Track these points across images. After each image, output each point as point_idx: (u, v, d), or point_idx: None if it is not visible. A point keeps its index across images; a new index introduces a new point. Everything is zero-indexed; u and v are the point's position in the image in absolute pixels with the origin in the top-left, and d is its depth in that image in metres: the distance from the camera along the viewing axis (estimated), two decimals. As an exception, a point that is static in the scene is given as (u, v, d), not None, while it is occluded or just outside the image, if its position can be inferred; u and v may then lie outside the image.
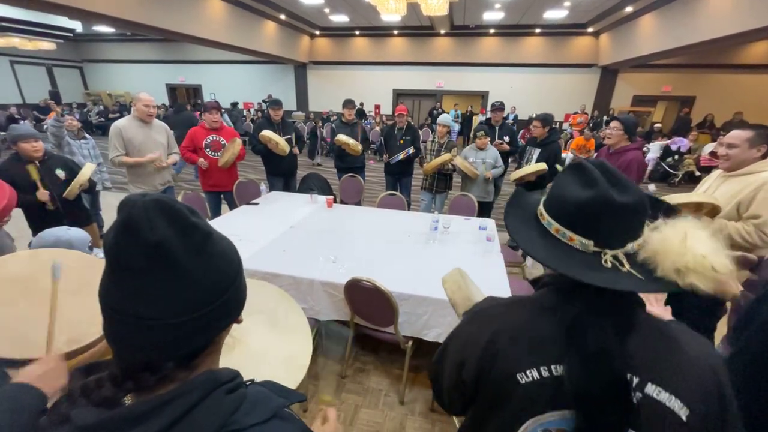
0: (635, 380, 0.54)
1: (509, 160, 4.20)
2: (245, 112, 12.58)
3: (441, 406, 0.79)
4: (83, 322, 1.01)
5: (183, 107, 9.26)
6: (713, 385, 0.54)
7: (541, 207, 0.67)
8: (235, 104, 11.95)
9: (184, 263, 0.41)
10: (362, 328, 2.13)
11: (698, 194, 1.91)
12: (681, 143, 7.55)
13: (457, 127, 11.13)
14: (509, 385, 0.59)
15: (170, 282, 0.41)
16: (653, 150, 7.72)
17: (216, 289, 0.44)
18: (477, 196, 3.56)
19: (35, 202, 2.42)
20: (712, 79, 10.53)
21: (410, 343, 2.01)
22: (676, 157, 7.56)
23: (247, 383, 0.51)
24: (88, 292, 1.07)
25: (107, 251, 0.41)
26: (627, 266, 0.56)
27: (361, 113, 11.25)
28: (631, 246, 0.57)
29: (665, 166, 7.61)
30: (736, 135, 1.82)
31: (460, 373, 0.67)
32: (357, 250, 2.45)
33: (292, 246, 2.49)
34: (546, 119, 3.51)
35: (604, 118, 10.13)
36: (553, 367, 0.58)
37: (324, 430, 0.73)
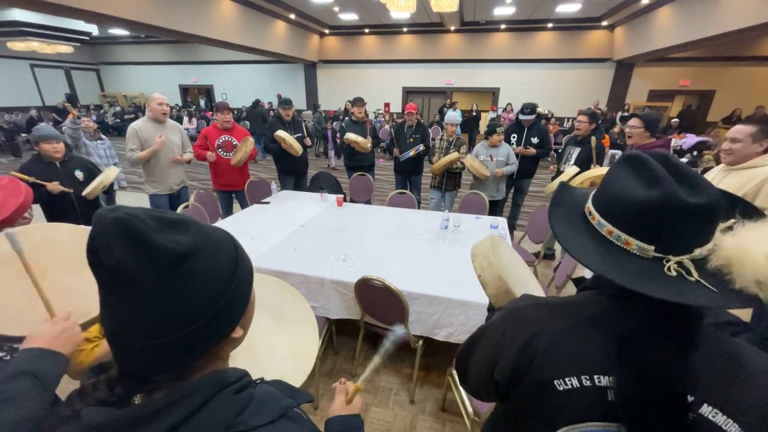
0: (689, 398, 0.50)
1: (539, 162, 3.88)
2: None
3: (467, 393, 0.78)
4: (87, 297, 0.97)
5: (258, 103, 9.41)
6: None
7: (589, 204, 0.60)
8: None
9: (147, 286, 0.39)
10: (372, 326, 2.13)
11: None
12: (687, 142, 7.36)
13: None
14: (545, 390, 0.56)
15: (135, 303, 0.39)
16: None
17: (191, 312, 0.41)
18: (487, 195, 3.52)
19: (47, 195, 2.47)
20: (732, 73, 10.16)
21: (421, 342, 2.00)
22: (695, 153, 7.35)
23: (257, 382, 0.51)
24: (86, 266, 1.09)
25: None
26: (695, 275, 0.49)
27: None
28: (699, 251, 0.50)
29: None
30: (740, 130, 1.83)
31: (491, 372, 0.64)
32: (367, 249, 2.45)
33: (302, 244, 2.51)
34: (594, 115, 3.25)
35: (619, 114, 9.90)
36: (596, 377, 0.54)
37: (350, 408, 0.72)
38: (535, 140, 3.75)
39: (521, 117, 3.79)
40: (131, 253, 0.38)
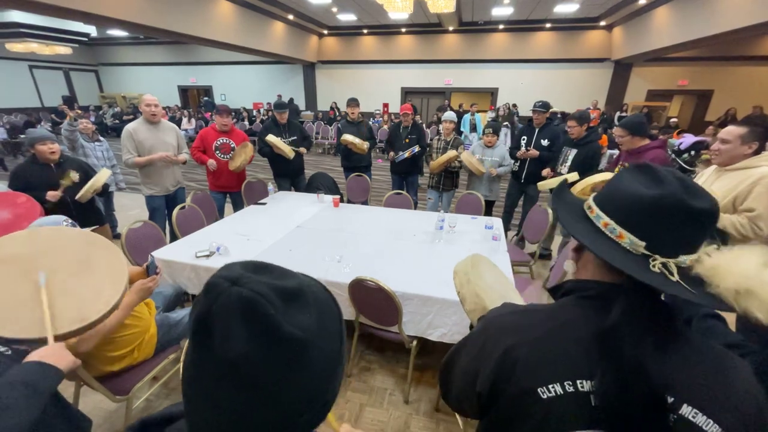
0: (669, 400, 0.50)
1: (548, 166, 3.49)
2: (255, 112, 12.70)
3: (451, 409, 0.75)
4: (86, 301, 1.03)
5: (291, 100, 9.30)
6: (755, 411, 0.50)
7: (590, 200, 0.63)
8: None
9: (264, 383, 0.33)
10: (367, 327, 2.13)
11: None
12: (684, 142, 7.37)
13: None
14: (529, 399, 0.55)
15: (245, 398, 0.33)
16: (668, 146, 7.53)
17: (300, 406, 0.36)
18: (481, 195, 3.52)
19: (44, 200, 2.46)
20: (730, 72, 10.18)
21: (415, 342, 2.01)
22: (693, 152, 7.36)
23: None
24: (88, 271, 1.11)
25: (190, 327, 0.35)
26: (676, 276, 0.51)
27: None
28: (683, 258, 0.52)
29: (681, 162, 7.43)
30: (730, 131, 1.85)
31: (473, 384, 0.63)
32: (362, 250, 2.46)
33: (298, 246, 2.51)
34: (582, 117, 3.11)
35: (617, 114, 9.91)
36: (578, 382, 0.53)
37: None
38: (545, 142, 3.51)
39: (532, 114, 3.58)
40: (257, 344, 0.32)
